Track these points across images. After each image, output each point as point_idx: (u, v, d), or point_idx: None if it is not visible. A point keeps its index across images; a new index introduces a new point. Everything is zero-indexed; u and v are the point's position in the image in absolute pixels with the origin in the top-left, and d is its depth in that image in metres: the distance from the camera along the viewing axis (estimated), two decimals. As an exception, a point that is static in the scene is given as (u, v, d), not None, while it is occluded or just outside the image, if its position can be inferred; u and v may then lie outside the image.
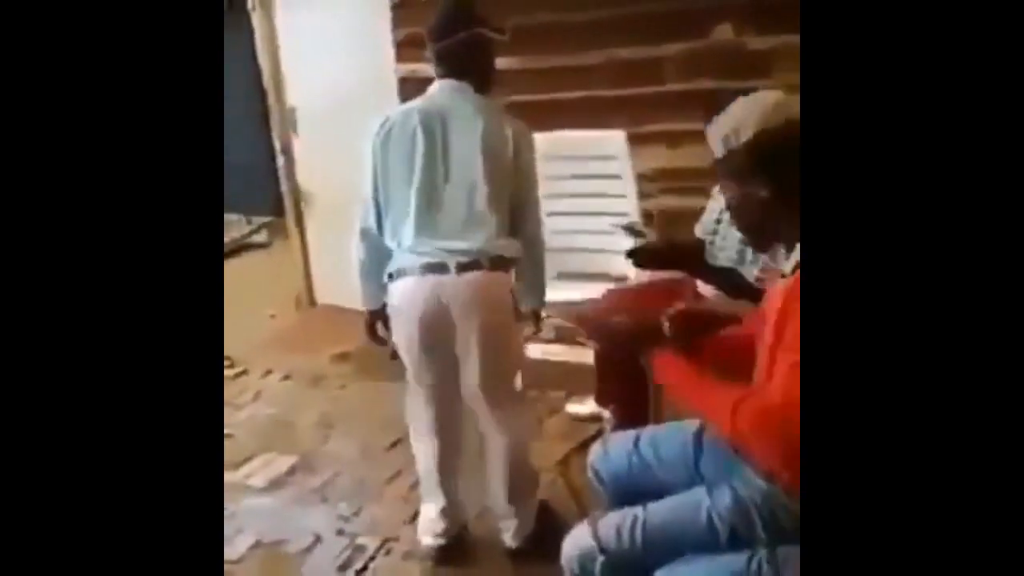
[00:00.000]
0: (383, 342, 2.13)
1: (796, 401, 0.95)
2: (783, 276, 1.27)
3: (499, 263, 1.94)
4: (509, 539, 2.16)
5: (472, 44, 1.94)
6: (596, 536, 1.38)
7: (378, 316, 2.11)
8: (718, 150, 1.29)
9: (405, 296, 1.95)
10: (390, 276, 1.99)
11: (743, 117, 1.26)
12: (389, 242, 1.99)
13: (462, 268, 1.90)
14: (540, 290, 2.18)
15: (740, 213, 1.33)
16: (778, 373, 1.18)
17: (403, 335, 2.01)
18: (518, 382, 2.13)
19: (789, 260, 1.27)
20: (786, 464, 1.11)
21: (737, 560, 1.30)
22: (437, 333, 1.95)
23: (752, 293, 2.12)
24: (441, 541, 2.18)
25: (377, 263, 2.04)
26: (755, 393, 1.21)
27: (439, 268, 1.90)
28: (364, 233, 2.04)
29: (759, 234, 1.36)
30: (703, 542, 1.33)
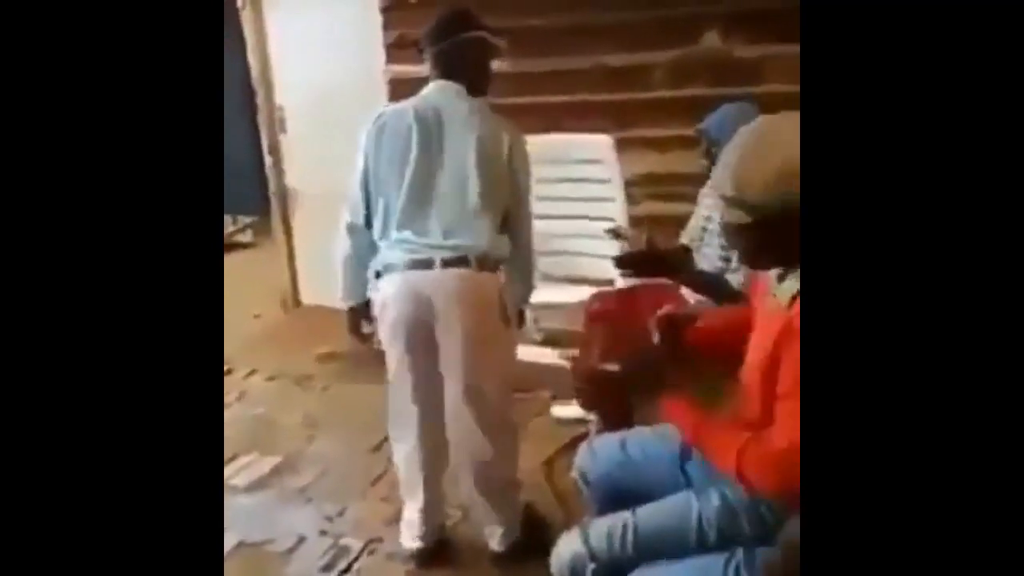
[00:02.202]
0: (366, 339, 2.13)
1: (798, 447, 0.96)
2: (774, 298, 1.27)
3: (486, 263, 1.93)
4: (495, 544, 2.16)
5: (469, 47, 1.96)
6: (587, 543, 1.38)
7: (360, 312, 2.10)
8: (727, 189, 1.22)
9: (390, 292, 1.95)
10: (377, 273, 1.99)
11: (753, 171, 1.18)
12: (377, 238, 1.99)
13: (447, 263, 1.89)
14: (526, 292, 2.19)
15: (737, 239, 1.28)
16: (779, 418, 1.19)
17: (387, 332, 2.00)
18: (507, 387, 2.10)
19: (783, 289, 1.24)
20: (789, 502, 1.11)
21: (715, 561, 1.31)
22: (420, 330, 1.94)
23: (737, 300, 2.14)
24: (420, 544, 2.18)
25: (361, 258, 2.03)
26: (758, 439, 1.21)
27: (424, 264, 1.90)
28: (351, 228, 2.03)
29: (756, 257, 1.30)
30: (693, 546, 1.34)
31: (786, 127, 1.15)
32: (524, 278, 2.15)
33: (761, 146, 1.19)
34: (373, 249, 2.01)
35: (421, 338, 1.95)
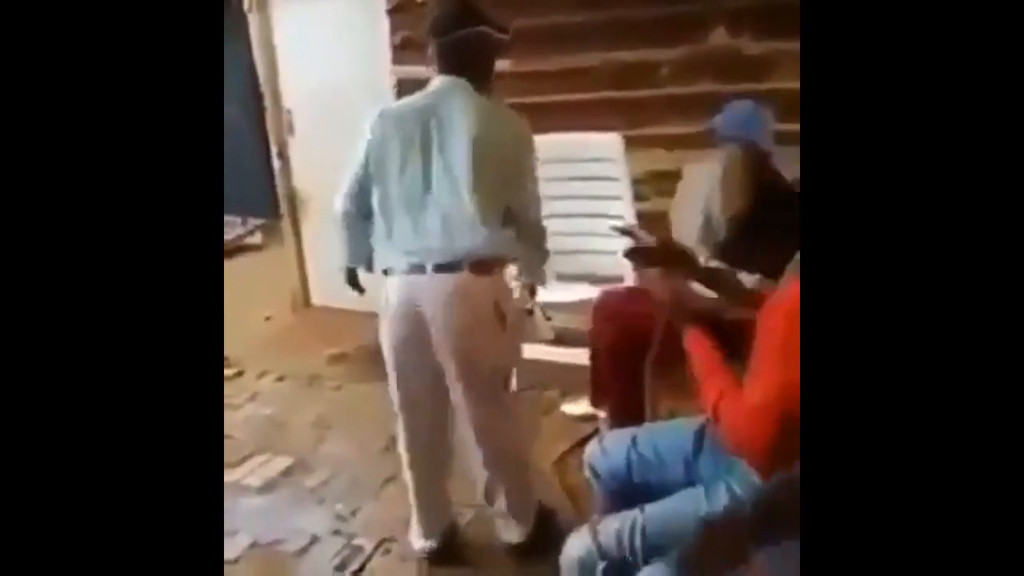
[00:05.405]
0: (362, 289, 2.19)
1: (768, 408, 1.00)
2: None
3: (481, 266, 1.91)
4: (511, 536, 2.16)
5: (474, 42, 1.93)
6: (597, 541, 1.39)
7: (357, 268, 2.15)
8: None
9: (390, 296, 1.96)
10: (384, 272, 1.99)
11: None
12: (379, 231, 1.98)
13: (438, 269, 1.89)
14: (538, 270, 2.21)
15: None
16: (753, 378, 1.22)
17: (385, 336, 2.01)
18: (509, 385, 2.10)
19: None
20: (757, 460, 1.21)
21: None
22: (414, 336, 1.94)
23: (743, 294, 2.13)
24: (430, 544, 2.19)
25: (361, 236, 2.05)
26: (736, 390, 1.25)
27: (418, 269, 1.90)
28: (346, 215, 2.05)
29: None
30: None
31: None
32: (536, 260, 2.16)
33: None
34: (369, 230, 2.02)
35: (416, 345, 1.95)
